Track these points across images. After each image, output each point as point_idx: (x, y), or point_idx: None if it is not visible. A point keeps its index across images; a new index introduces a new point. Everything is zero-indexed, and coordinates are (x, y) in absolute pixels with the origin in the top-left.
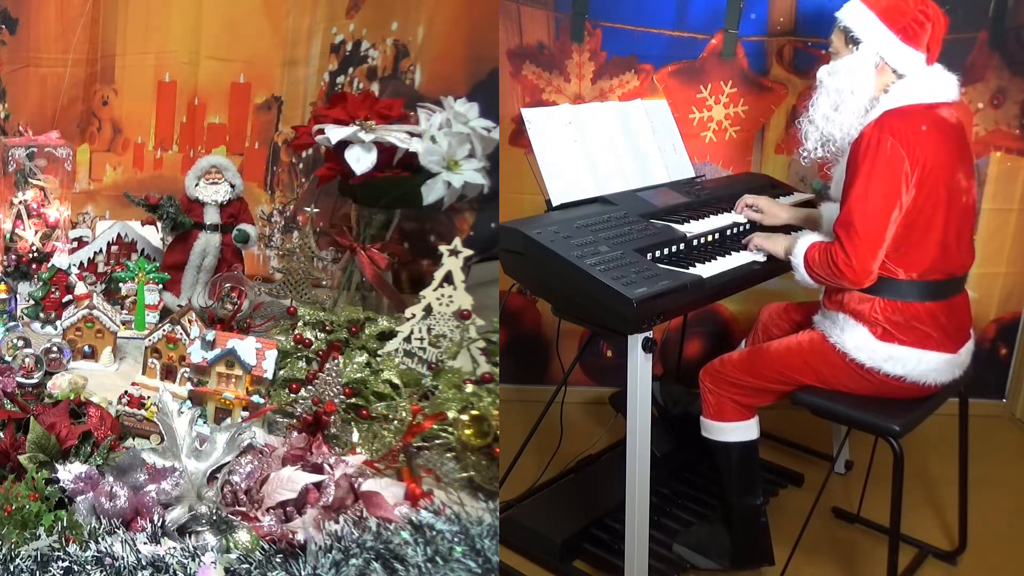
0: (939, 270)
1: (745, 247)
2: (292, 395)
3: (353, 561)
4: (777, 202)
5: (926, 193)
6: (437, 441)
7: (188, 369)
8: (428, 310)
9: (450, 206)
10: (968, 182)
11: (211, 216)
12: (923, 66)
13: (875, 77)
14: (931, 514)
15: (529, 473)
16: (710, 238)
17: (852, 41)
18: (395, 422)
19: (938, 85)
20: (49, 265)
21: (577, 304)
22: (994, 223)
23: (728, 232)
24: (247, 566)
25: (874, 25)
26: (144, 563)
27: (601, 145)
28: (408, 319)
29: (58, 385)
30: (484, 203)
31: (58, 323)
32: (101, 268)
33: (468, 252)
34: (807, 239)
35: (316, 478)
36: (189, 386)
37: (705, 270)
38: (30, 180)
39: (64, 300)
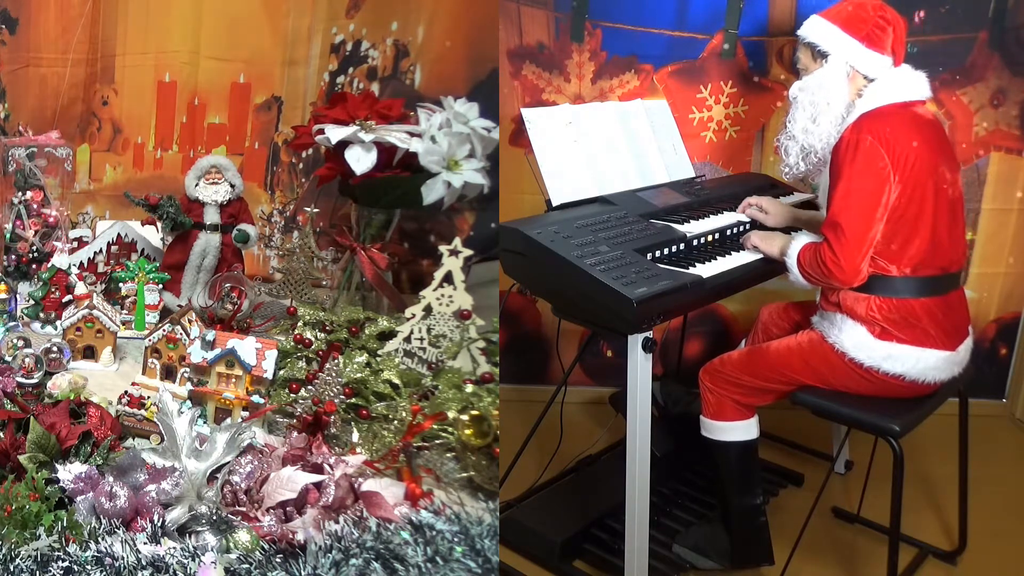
0: (932, 265)
1: (744, 247)
2: (292, 395)
3: (353, 561)
4: (781, 203)
5: (911, 187)
6: (437, 441)
7: (188, 369)
8: (428, 310)
9: (450, 206)
10: (953, 175)
11: (211, 216)
12: (891, 68)
13: (848, 85)
14: (931, 514)
15: (529, 473)
16: (710, 238)
17: (820, 55)
18: (395, 422)
19: (909, 84)
20: (49, 265)
21: (577, 304)
22: (994, 223)
23: (728, 232)
24: (247, 566)
25: (838, 36)
26: (144, 563)
27: (601, 145)
28: (408, 319)
29: (58, 385)
30: (484, 203)
31: (58, 323)
32: (101, 268)
33: (468, 252)
34: (801, 240)
35: (316, 478)
36: (189, 386)
37: (705, 270)
38: (30, 180)
39: (64, 300)
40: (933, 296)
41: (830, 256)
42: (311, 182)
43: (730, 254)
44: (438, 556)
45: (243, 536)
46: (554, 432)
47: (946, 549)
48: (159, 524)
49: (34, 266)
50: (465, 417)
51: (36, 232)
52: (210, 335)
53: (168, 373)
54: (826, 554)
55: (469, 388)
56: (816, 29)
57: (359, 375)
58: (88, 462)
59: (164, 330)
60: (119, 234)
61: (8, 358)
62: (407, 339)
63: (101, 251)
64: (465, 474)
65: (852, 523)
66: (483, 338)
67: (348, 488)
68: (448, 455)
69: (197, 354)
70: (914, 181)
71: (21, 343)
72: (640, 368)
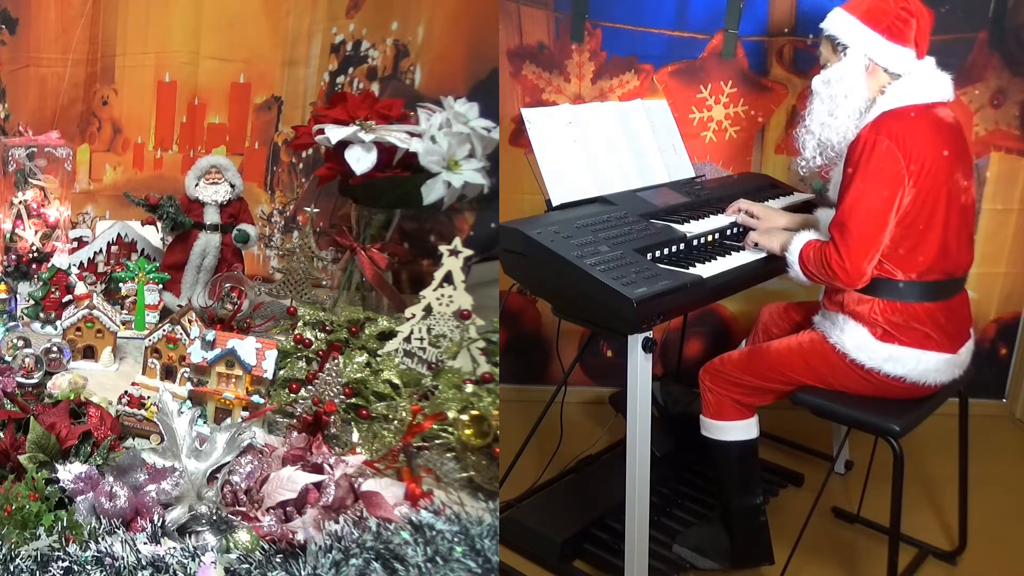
0: (938, 270)
1: (745, 247)
2: (292, 395)
3: (353, 561)
4: (775, 209)
5: (925, 193)
6: (437, 441)
7: (188, 369)
8: (428, 310)
9: (450, 206)
10: (967, 182)
11: (211, 216)
12: (914, 62)
13: (867, 79)
14: (931, 514)
15: (529, 473)
16: (710, 238)
17: (840, 48)
18: (395, 422)
19: (933, 85)
20: (49, 265)
21: (577, 304)
22: (994, 223)
23: (728, 232)
24: (247, 566)
25: (858, 29)
26: (144, 563)
27: (601, 145)
28: (408, 319)
29: (58, 385)
30: (484, 203)
31: (58, 323)
32: (101, 268)
33: (468, 252)
34: (803, 237)
35: (316, 478)
36: (189, 386)
37: (705, 270)
38: (30, 180)
39: (64, 300)
40: (937, 301)
41: (835, 257)
42: (311, 182)
43: (730, 254)
44: (438, 556)
45: (243, 536)
46: (554, 432)
47: (946, 549)
48: (159, 524)
49: (34, 266)
50: (465, 417)
51: (36, 232)
52: (210, 335)
53: (168, 373)
54: (826, 554)
55: (469, 388)
56: (836, 21)
57: (359, 375)
58: (88, 462)
59: (164, 330)
60: (119, 234)
61: (8, 358)
62: (407, 339)
63: (101, 251)
64: (465, 474)
65: (852, 523)
66: (483, 338)
67: (348, 488)
68: (448, 455)
69: (197, 354)
70: (928, 187)
71: (21, 343)
72: (640, 368)
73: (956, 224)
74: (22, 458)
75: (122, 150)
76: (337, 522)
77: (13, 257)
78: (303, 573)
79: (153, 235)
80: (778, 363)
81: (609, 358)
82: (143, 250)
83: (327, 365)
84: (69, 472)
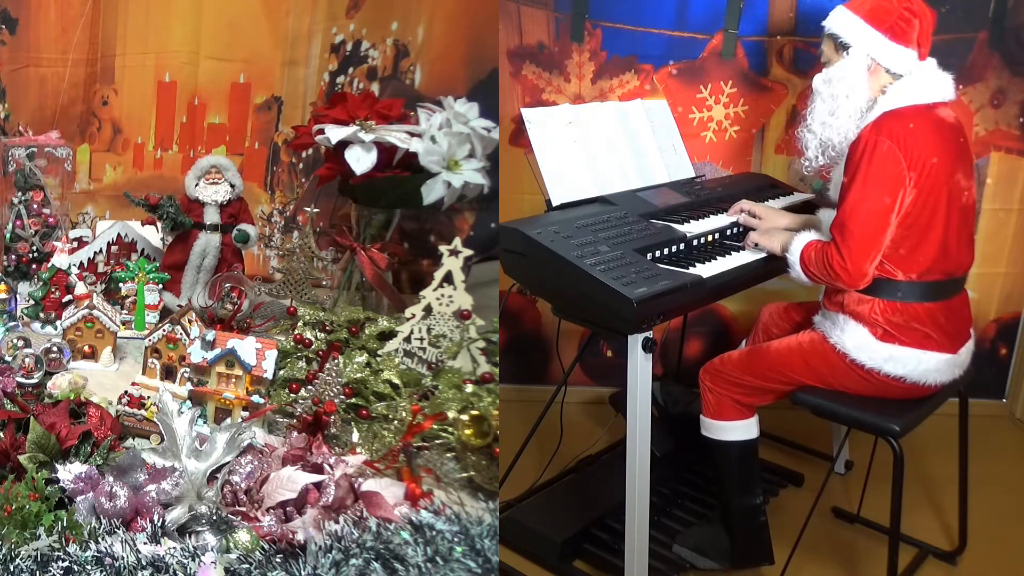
0: (939, 270)
1: (745, 247)
2: (292, 395)
3: (353, 561)
4: (776, 209)
5: (926, 194)
6: (437, 441)
7: (188, 369)
8: (428, 310)
9: (450, 206)
10: (968, 182)
11: (211, 216)
12: (916, 63)
13: (869, 79)
14: (931, 514)
15: (529, 473)
16: (710, 238)
17: (842, 47)
18: (395, 422)
19: (935, 85)
20: (49, 265)
21: (577, 304)
22: (994, 223)
23: (728, 232)
24: (247, 566)
25: (861, 28)
26: (144, 563)
27: (601, 145)
28: (408, 319)
29: (58, 385)
30: (484, 203)
31: (58, 323)
32: (101, 268)
33: (468, 252)
34: (804, 237)
35: (316, 478)
36: (189, 386)
37: (705, 270)
38: (30, 180)
39: (64, 300)
40: (937, 301)
41: (837, 259)
42: (311, 182)
43: (730, 254)
44: (438, 556)
45: (243, 536)
46: (554, 432)
47: (946, 549)
48: (159, 524)
49: (34, 266)
50: (465, 417)
51: (36, 232)
52: (210, 335)
53: (168, 373)
54: (826, 554)
55: (469, 388)
56: (839, 20)
57: (359, 375)
58: (88, 462)
59: (164, 330)
60: (119, 234)
61: (8, 358)
62: (407, 339)
63: (101, 251)
64: (465, 474)
65: (852, 523)
66: (483, 338)
67: (348, 488)
68: (448, 455)
69: (197, 354)
70: (929, 188)
71: (21, 343)
72: (640, 368)
73: (956, 224)
74: (22, 458)
75: (122, 150)
76: (337, 522)
77: (13, 257)
78: (303, 573)
79: (153, 235)
80: (778, 363)
81: (609, 358)
82: (143, 250)
83: (327, 365)
84: (69, 472)
